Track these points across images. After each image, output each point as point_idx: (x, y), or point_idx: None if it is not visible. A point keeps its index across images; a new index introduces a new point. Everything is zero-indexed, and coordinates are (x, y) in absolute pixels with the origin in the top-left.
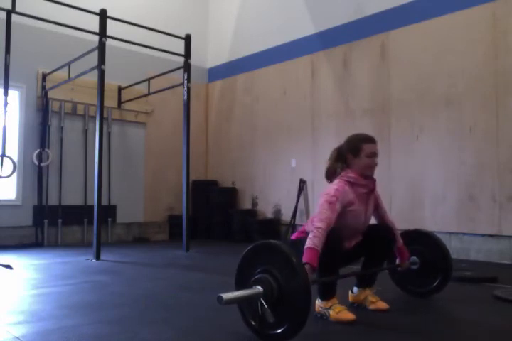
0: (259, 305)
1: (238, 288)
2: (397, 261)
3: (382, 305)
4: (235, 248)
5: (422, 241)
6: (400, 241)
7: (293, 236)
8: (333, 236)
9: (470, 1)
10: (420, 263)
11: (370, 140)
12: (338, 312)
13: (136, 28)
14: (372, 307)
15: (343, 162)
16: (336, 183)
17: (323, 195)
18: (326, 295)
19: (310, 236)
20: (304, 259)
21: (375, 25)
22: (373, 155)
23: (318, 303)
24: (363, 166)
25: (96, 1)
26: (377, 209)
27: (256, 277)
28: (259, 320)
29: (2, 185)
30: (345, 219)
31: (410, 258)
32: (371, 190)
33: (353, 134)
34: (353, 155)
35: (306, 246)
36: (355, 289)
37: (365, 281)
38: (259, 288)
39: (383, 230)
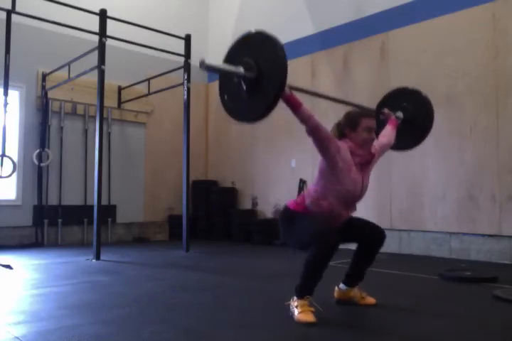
0: (242, 82)
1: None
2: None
3: (371, 300)
4: (235, 248)
5: (409, 98)
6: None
7: (290, 205)
8: (326, 239)
9: (470, 1)
10: (404, 118)
11: (368, 114)
12: (300, 312)
13: (136, 28)
14: (361, 302)
15: (343, 136)
16: None
17: None
18: (301, 293)
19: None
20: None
21: (375, 25)
22: (370, 129)
23: (293, 299)
24: (361, 140)
25: (96, 1)
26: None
27: (238, 60)
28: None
29: (2, 185)
30: (344, 184)
31: (396, 112)
32: (367, 161)
33: (352, 109)
34: (351, 129)
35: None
36: (342, 286)
37: (354, 280)
38: (240, 67)
39: (378, 233)
